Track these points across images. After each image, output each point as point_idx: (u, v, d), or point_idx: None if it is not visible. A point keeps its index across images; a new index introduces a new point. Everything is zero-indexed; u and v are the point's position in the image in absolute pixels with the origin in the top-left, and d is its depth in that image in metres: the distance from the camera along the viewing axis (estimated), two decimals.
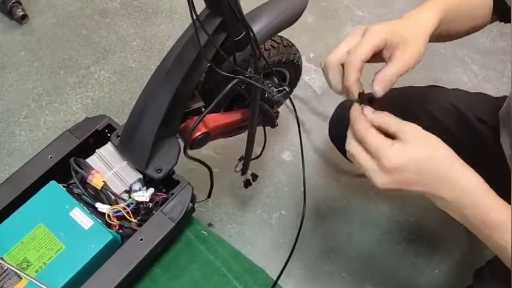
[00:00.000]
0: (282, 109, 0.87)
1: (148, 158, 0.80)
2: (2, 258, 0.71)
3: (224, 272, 0.81)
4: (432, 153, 0.56)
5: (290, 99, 0.84)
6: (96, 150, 0.84)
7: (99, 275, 0.71)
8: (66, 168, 0.80)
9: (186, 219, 0.82)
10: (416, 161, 0.55)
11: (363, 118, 0.58)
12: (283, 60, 1.07)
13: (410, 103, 0.98)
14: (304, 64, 1.53)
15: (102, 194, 0.78)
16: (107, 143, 0.84)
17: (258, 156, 1.16)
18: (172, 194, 0.81)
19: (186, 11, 0.65)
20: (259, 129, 1.04)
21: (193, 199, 0.82)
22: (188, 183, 0.82)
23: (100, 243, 0.73)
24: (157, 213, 0.78)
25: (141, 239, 0.75)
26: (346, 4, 1.86)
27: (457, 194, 0.56)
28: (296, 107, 0.77)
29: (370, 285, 1.27)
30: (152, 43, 1.70)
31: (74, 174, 0.78)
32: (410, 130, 0.56)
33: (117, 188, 0.80)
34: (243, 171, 1.11)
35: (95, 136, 0.86)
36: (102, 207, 0.77)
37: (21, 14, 1.66)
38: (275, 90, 0.98)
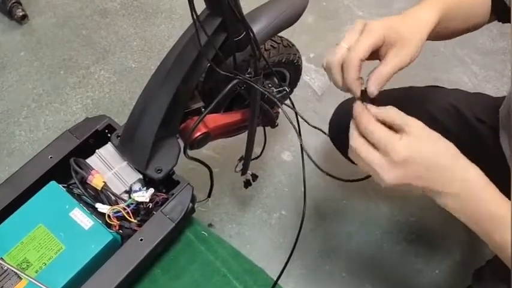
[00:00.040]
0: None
1: (148, 158, 0.80)
2: (2, 258, 0.71)
3: (224, 272, 0.81)
4: (437, 147, 0.56)
5: (290, 99, 0.84)
6: (96, 150, 0.84)
7: (99, 276, 0.71)
8: (66, 168, 0.80)
9: (186, 220, 0.82)
10: (423, 154, 0.55)
11: (368, 113, 0.58)
12: (283, 61, 1.07)
13: (410, 103, 0.98)
14: (304, 64, 1.53)
15: (102, 195, 0.78)
16: (107, 143, 0.84)
17: (258, 157, 1.16)
18: (172, 194, 0.81)
19: (186, 11, 0.65)
20: (259, 129, 1.04)
21: (193, 199, 0.82)
22: (188, 184, 0.82)
23: (100, 243, 0.73)
24: (157, 213, 0.78)
25: (141, 240, 0.75)
26: (346, 4, 1.86)
27: (460, 187, 0.56)
28: (296, 107, 0.77)
29: (370, 285, 1.27)
30: (152, 43, 1.70)
31: (74, 174, 0.78)
32: (414, 123, 0.56)
33: (117, 188, 0.80)
34: (243, 171, 1.11)
35: (95, 136, 0.86)
36: (102, 207, 0.77)
37: (21, 14, 1.66)
38: (275, 90, 0.98)
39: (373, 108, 0.59)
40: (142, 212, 0.79)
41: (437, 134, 0.57)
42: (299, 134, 0.75)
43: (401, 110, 0.58)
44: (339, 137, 1.06)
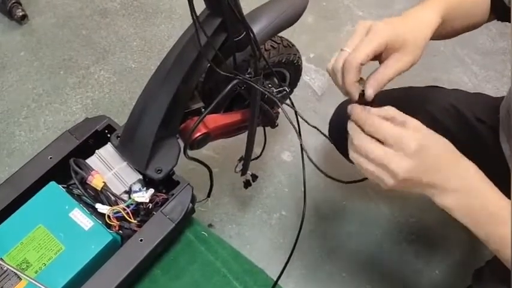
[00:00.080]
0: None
1: (148, 159, 0.80)
2: (1, 259, 0.70)
3: (224, 272, 0.81)
4: (439, 142, 0.56)
5: (290, 99, 0.84)
6: (96, 150, 0.84)
7: (99, 276, 0.71)
8: (66, 168, 0.80)
9: (186, 220, 0.82)
10: (430, 145, 0.55)
11: (369, 111, 0.58)
12: (283, 61, 1.07)
13: (410, 103, 0.98)
14: (304, 64, 1.53)
15: (102, 195, 0.78)
16: (106, 143, 0.84)
17: (258, 157, 1.16)
18: (172, 194, 0.81)
19: (186, 11, 0.65)
20: (259, 130, 1.04)
21: (193, 200, 0.82)
22: (188, 184, 0.82)
23: (100, 244, 0.73)
24: (157, 213, 0.78)
25: (141, 240, 0.75)
26: (346, 4, 1.86)
27: (460, 183, 0.56)
28: (296, 107, 0.77)
29: (370, 286, 1.27)
30: (152, 43, 1.70)
31: (73, 175, 0.78)
32: (414, 121, 0.56)
33: (117, 188, 0.80)
34: (243, 171, 1.11)
35: (94, 137, 0.86)
36: (102, 208, 0.77)
37: (21, 14, 1.66)
38: (275, 90, 0.98)
39: (372, 109, 0.58)
40: (142, 213, 0.79)
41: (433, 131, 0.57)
42: (299, 135, 0.74)
43: (401, 110, 0.58)
44: (338, 137, 1.06)
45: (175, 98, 0.77)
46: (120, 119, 0.86)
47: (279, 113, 1.05)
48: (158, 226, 0.77)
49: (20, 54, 1.64)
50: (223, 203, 1.37)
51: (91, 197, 0.79)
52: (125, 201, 0.79)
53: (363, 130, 0.57)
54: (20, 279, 0.69)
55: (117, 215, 0.77)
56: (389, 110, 0.58)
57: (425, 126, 0.57)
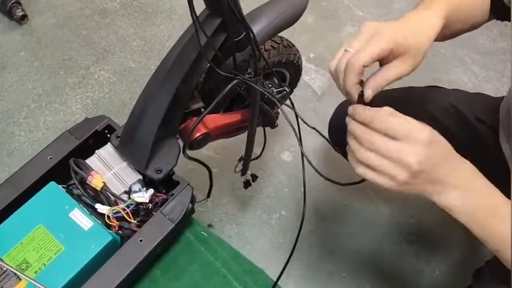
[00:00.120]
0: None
1: (148, 159, 0.80)
2: (1, 259, 0.70)
3: (224, 272, 0.81)
4: (440, 139, 0.56)
5: (290, 99, 0.84)
6: (96, 151, 0.83)
7: (98, 276, 0.71)
8: (65, 169, 0.80)
9: (186, 220, 0.82)
10: (438, 139, 0.55)
11: (373, 108, 0.57)
12: (283, 61, 1.07)
13: (409, 103, 0.98)
14: (304, 64, 1.53)
15: (102, 195, 0.78)
16: (106, 143, 0.84)
17: (258, 157, 1.16)
18: (172, 194, 0.81)
19: (185, 11, 0.65)
20: (259, 130, 1.04)
21: (193, 200, 0.81)
22: (188, 184, 0.82)
23: (99, 244, 0.73)
24: (157, 214, 0.78)
25: (141, 240, 0.75)
26: (346, 4, 1.86)
27: (460, 179, 0.57)
28: (296, 107, 0.77)
29: (370, 286, 1.27)
30: (152, 43, 1.70)
31: (73, 175, 0.78)
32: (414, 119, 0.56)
33: (117, 188, 0.80)
34: (243, 171, 1.11)
35: (94, 137, 0.86)
36: (101, 208, 0.77)
37: (20, 14, 1.66)
38: (275, 90, 0.98)
39: (371, 109, 0.58)
40: (142, 213, 0.79)
41: None
42: (299, 138, 0.74)
43: (401, 110, 0.57)
44: (338, 137, 1.05)
45: (175, 98, 0.77)
46: (120, 119, 0.86)
47: (278, 113, 1.05)
48: (158, 226, 0.77)
49: (20, 54, 1.64)
50: (223, 203, 1.37)
51: (91, 197, 0.79)
52: (124, 201, 0.79)
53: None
54: (20, 279, 0.69)
55: (117, 215, 0.77)
56: (388, 110, 0.58)
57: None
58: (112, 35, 1.71)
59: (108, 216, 0.76)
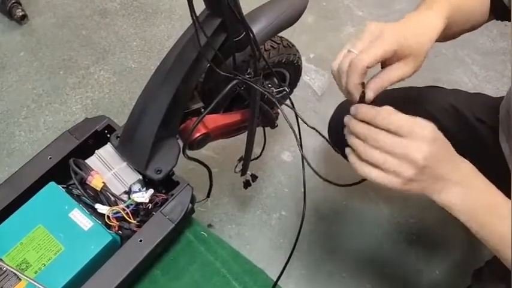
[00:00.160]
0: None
1: (148, 159, 0.80)
2: (1, 259, 0.70)
3: (224, 273, 0.81)
4: (442, 134, 0.57)
5: (290, 99, 0.84)
6: (96, 151, 0.83)
7: (98, 276, 0.71)
8: (65, 169, 0.80)
9: (186, 220, 0.82)
10: (440, 136, 0.56)
11: (375, 107, 0.57)
12: (283, 61, 1.07)
13: (409, 103, 0.98)
14: (304, 64, 1.53)
15: (102, 195, 0.78)
16: (106, 143, 0.84)
17: (258, 157, 1.16)
18: (172, 194, 0.81)
19: (185, 12, 0.65)
20: (259, 130, 1.04)
21: (193, 200, 0.81)
22: (188, 184, 0.82)
23: (99, 244, 0.73)
24: (156, 214, 0.78)
25: (141, 240, 0.75)
26: (346, 4, 1.86)
27: (461, 176, 0.57)
28: (296, 108, 0.77)
29: (370, 286, 1.27)
30: (152, 43, 1.70)
31: (73, 175, 0.78)
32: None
33: (117, 189, 0.80)
34: (243, 171, 1.11)
35: (94, 137, 0.86)
36: (101, 208, 0.77)
37: (20, 14, 1.66)
38: (275, 90, 0.98)
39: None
40: (142, 213, 0.79)
41: None
42: (300, 139, 0.74)
43: (401, 110, 0.57)
44: (338, 137, 1.06)
45: (175, 98, 0.77)
46: (120, 119, 0.86)
47: (278, 113, 1.05)
48: (158, 226, 0.77)
49: (20, 54, 1.64)
50: (222, 203, 1.37)
51: (91, 197, 0.79)
52: (124, 201, 0.79)
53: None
54: (20, 279, 0.69)
55: (117, 215, 0.77)
56: (389, 108, 0.58)
57: None
58: (112, 35, 1.71)
59: (108, 217, 0.76)
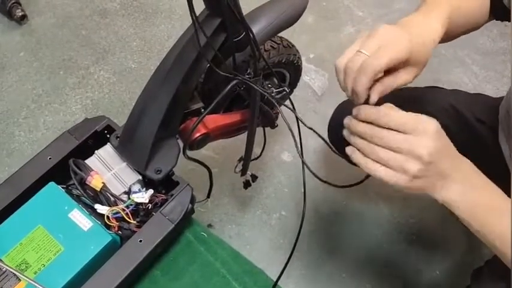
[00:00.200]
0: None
1: (148, 159, 0.80)
2: (1, 259, 0.70)
3: (224, 273, 0.81)
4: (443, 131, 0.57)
5: (290, 99, 0.84)
6: (96, 151, 0.83)
7: (98, 277, 0.71)
8: (65, 169, 0.79)
9: (186, 221, 0.82)
10: (442, 131, 0.56)
11: (377, 107, 0.58)
12: (283, 61, 1.07)
13: (409, 104, 0.97)
14: (304, 64, 1.53)
15: (101, 195, 0.78)
16: (106, 144, 0.84)
17: (258, 157, 1.16)
18: (172, 195, 0.80)
19: (185, 12, 0.65)
20: (259, 130, 1.04)
21: (192, 200, 0.81)
22: (188, 184, 0.82)
23: (99, 244, 0.73)
24: (156, 214, 0.78)
25: (141, 241, 0.75)
26: (346, 4, 1.86)
27: (463, 174, 0.57)
28: (296, 108, 0.77)
29: (370, 286, 1.27)
30: (152, 43, 1.70)
31: (73, 175, 0.78)
32: None
33: (116, 189, 0.80)
34: (243, 172, 1.11)
35: (94, 137, 0.86)
36: (101, 208, 0.77)
37: (20, 14, 1.66)
38: (275, 91, 0.98)
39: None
40: (142, 213, 0.79)
41: None
42: (300, 139, 0.74)
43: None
44: (338, 137, 1.05)
45: (175, 99, 0.77)
46: (120, 120, 0.86)
47: (278, 113, 1.05)
48: (157, 227, 0.77)
49: (20, 54, 1.64)
50: (222, 203, 1.37)
51: (90, 198, 0.79)
52: (124, 201, 0.78)
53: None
54: (19, 280, 0.69)
55: (117, 215, 0.77)
56: (390, 106, 0.58)
57: None
58: (112, 35, 1.71)
59: (108, 217, 0.76)
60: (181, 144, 0.85)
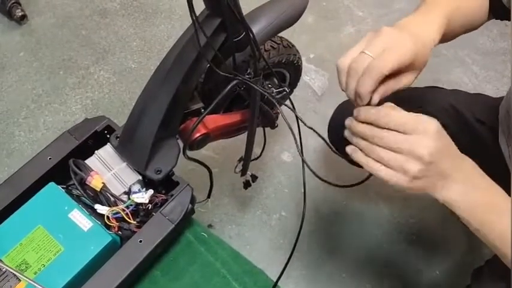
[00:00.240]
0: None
1: (148, 159, 0.80)
2: (0, 260, 0.70)
3: (224, 273, 0.81)
4: (444, 130, 0.57)
5: (290, 99, 0.84)
6: (96, 151, 0.83)
7: (98, 277, 0.71)
8: (65, 169, 0.79)
9: (186, 221, 0.81)
10: (443, 131, 0.56)
11: (378, 107, 0.58)
12: (283, 61, 1.07)
13: (409, 104, 0.97)
14: (304, 64, 1.53)
15: (101, 196, 0.78)
16: (106, 144, 0.84)
17: (258, 157, 1.16)
18: (172, 195, 0.80)
19: (185, 12, 0.65)
20: (259, 130, 1.04)
21: (192, 200, 0.81)
22: (188, 185, 0.81)
23: (99, 244, 0.73)
24: (156, 214, 0.78)
25: (141, 241, 0.75)
26: (346, 4, 1.86)
27: (464, 173, 0.57)
28: (296, 108, 0.77)
29: (370, 286, 1.27)
30: (152, 43, 1.70)
31: (73, 175, 0.78)
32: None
33: (116, 189, 0.80)
34: (243, 172, 1.11)
35: (94, 137, 0.86)
36: (101, 208, 0.77)
37: (20, 14, 1.66)
38: (275, 91, 0.98)
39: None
40: (142, 213, 0.79)
41: None
42: (300, 139, 0.74)
43: None
44: (338, 137, 1.05)
45: (175, 99, 0.77)
46: (120, 120, 0.86)
47: (278, 113, 1.04)
48: (158, 227, 0.77)
49: (20, 54, 1.64)
50: (223, 203, 1.37)
51: (90, 198, 0.79)
52: (124, 202, 0.78)
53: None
54: (19, 280, 0.69)
55: (117, 215, 0.77)
56: (390, 105, 0.58)
57: None
58: (112, 35, 1.71)
59: (108, 217, 0.76)
60: (181, 145, 0.85)
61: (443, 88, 1.05)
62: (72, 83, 1.58)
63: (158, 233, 0.76)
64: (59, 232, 0.73)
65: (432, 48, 0.63)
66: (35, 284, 0.67)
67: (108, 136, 0.85)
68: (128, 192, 0.80)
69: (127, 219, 0.77)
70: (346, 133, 0.60)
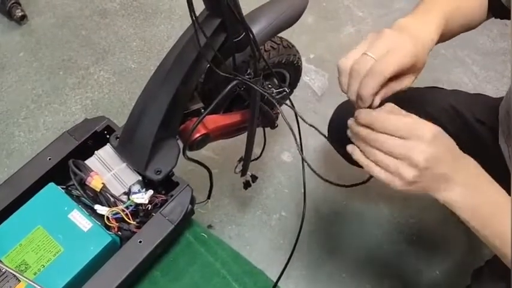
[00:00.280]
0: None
1: (148, 160, 0.80)
2: (0, 260, 0.70)
3: (224, 274, 0.81)
4: (445, 133, 0.57)
5: (290, 99, 0.84)
6: (95, 151, 0.83)
7: (98, 278, 0.71)
8: (65, 170, 0.79)
9: (186, 221, 0.81)
10: (441, 135, 0.56)
11: (379, 110, 0.58)
12: (283, 61, 1.07)
13: (409, 104, 0.97)
14: (304, 65, 1.53)
15: (101, 196, 0.78)
16: (106, 144, 0.84)
17: (258, 157, 1.16)
18: (172, 195, 0.80)
19: (185, 12, 0.65)
20: (259, 130, 1.04)
21: (192, 201, 0.81)
22: (187, 185, 0.81)
23: (99, 245, 0.73)
24: (156, 215, 0.78)
25: (140, 241, 0.75)
26: (346, 4, 1.86)
27: (465, 175, 0.57)
28: (296, 108, 0.77)
29: (370, 286, 1.27)
30: (152, 44, 1.70)
31: (72, 176, 0.78)
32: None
33: (116, 190, 0.80)
34: (243, 172, 1.11)
35: (93, 137, 0.86)
36: (101, 209, 0.77)
37: (20, 14, 1.66)
38: (275, 91, 0.98)
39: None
40: (142, 214, 0.79)
41: None
42: (300, 138, 0.74)
43: None
44: (338, 138, 1.05)
45: (175, 99, 0.77)
46: (120, 120, 0.86)
47: (278, 113, 1.04)
48: (157, 227, 0.77)
49: (19, 54, 1.64)
50: (223, 203, 1.37)
51: (90, 198, 0.79)
52: (124, 202, 0.78)
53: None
54: (19, 281, 0.69)
55: (116, 216, 0.77)
56: (390, 106, 0.58)
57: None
58: (112, 35, 1.71)
59: (108, 218, 0.76)
60: (181, 145, 0.85)
61: (443, 88, 1.05)
62: (72, 83, 1.58)
63: (158, 234, 0.76)
64: (59, 232, 0.73)
65: (431, 48, 0.63)
66: (35, 285, 0.67)
67: (108, 136, 0.85)
68: (128, 193, 0.80)
69: (127, 219, 0.77)
70: (349, 133, 0.60)
